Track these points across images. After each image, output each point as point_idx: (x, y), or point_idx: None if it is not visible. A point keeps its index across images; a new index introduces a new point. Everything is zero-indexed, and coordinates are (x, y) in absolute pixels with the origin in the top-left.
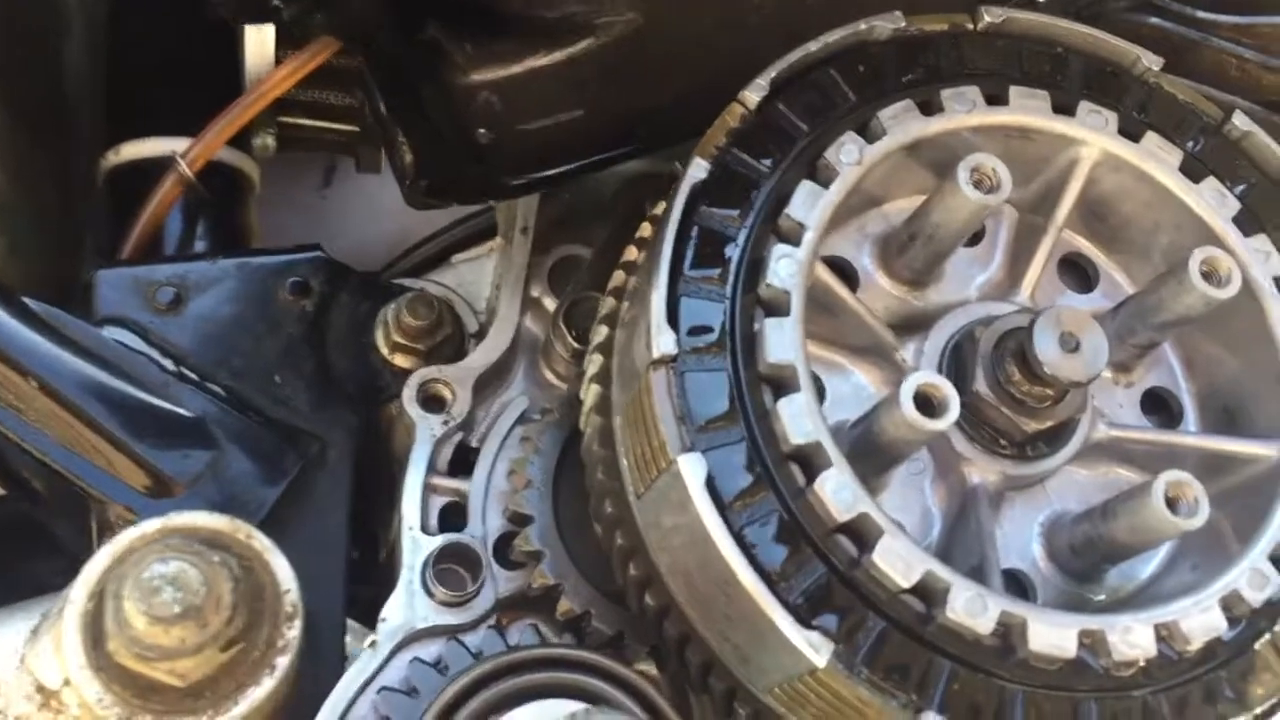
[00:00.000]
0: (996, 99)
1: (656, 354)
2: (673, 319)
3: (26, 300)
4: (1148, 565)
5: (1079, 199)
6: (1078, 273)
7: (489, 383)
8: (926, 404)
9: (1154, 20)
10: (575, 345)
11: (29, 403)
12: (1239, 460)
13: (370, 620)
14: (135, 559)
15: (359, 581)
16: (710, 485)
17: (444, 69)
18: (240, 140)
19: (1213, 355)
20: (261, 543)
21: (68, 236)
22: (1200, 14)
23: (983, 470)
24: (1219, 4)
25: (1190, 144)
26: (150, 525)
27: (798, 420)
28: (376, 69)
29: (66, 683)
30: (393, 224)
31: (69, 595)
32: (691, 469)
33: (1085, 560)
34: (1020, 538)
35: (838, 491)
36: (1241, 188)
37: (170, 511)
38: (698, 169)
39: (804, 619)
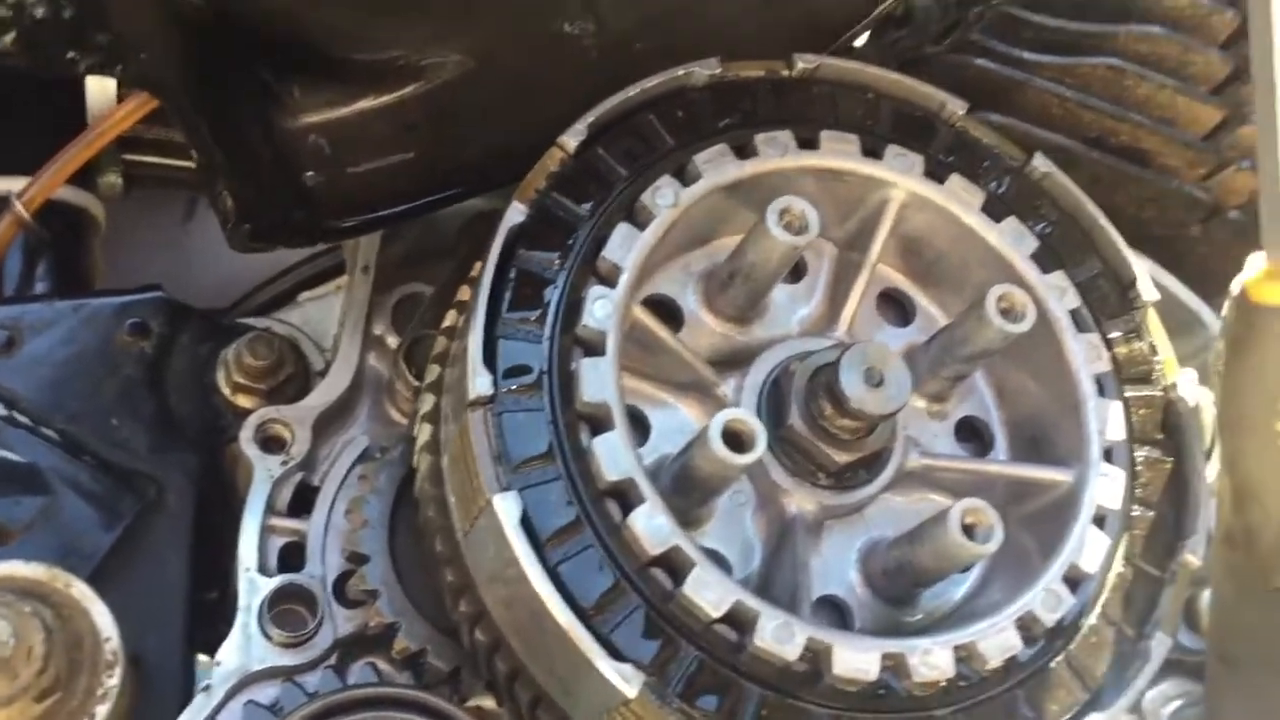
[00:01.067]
0: (809, 143)
1: (473, 395)
2: (490, 360)
3: None
4: (960, 587)
5: (892, 236)
6: (896, 307)
7: (330, 421)
8: (735, 440)
9: (979, 61)
10: (415, 383)
11: None
12: (1041, 485)
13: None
14: None
15: (219, 621)
16: (526, 523)
17: (271, 111)
18: (86, 179)
19: (1020, 386)
20: (80, 591)
21: None
22: (1024, 55)
23: (801, 500)
24: (1042, 45)
25: (993, 184)
26: None
27: (612, 457)
28: (188, 114)
29: None
30: (260, 256)
31: None
32: (505, 507)
33: (898, 584)
34: (839, 564)
35: (649, 525)
36: (1041, 226)
37: (2, 561)
38: (515, 213)
39: (617, 652)
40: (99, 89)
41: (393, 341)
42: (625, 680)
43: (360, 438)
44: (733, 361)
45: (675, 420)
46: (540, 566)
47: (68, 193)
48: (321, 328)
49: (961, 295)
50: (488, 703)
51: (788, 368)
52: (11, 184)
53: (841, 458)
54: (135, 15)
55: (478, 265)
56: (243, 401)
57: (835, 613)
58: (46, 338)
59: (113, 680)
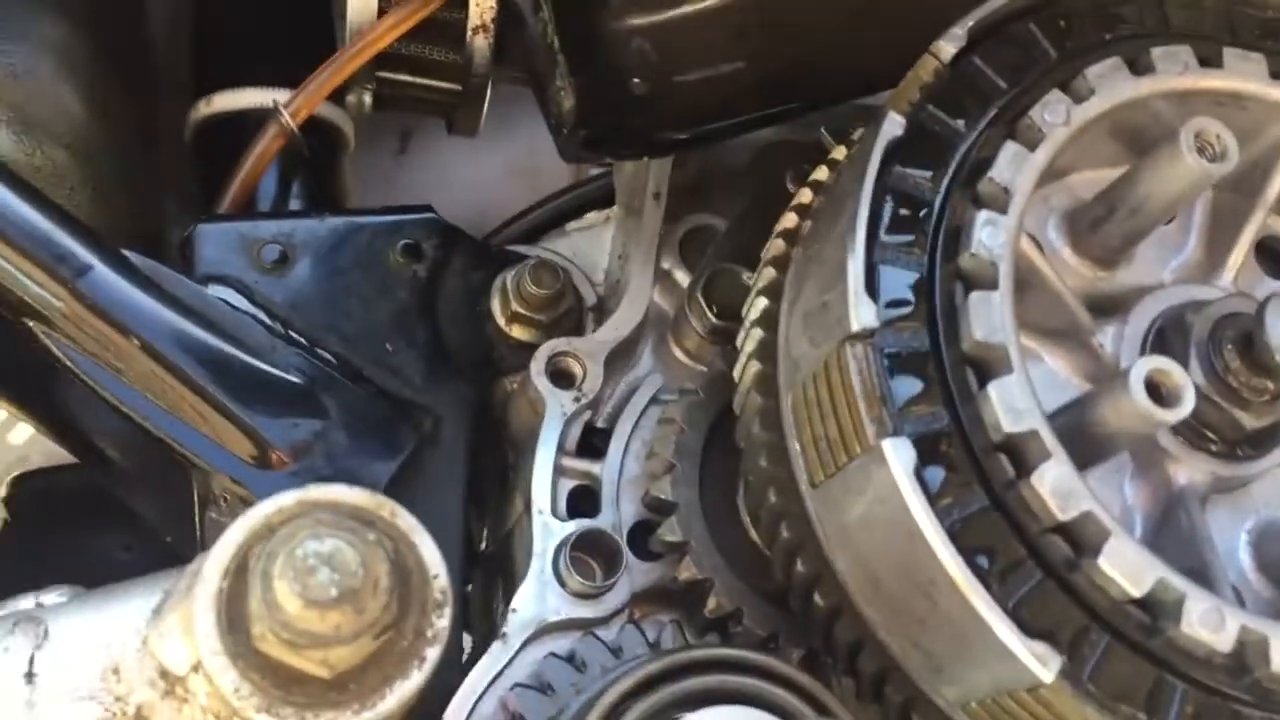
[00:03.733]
0: (1209, 61)
1: (856, 327)
2: (870, 289)
3: (127, 253)
4: None
5: None
6: (1274, 258)
7: (617, 359)
8: (1155, 392)
9: None
10: (715, 321)
11: (129, 363)
12: None
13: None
14: (284, 534)
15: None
16: (917, 475)
17: (596, 11)
18: (338, 98)
19: None
20: (408, 522)
21: (153, 189)
22: None
23: (1190, 470)
24: None
25: None
26: (287, 498)
27: (1011, 406)
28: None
29: (196, 668)
30: (468, 195)
31: (200, 572)
32: (898, 455)
33: None
34: (1225, 546)
35: (1059, 485)
36: None
37: (282, 485)
38: (893, 124)
39: (1027, 628)
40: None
41: (681, 276)
42: (1041, 662)
43: (653, 377)
44: (1098, 309)
45: (1040, 372)
46: (938, 525)
47: (325, 108)
48: (591, 260)
49: None
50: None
51: (1181, 317)
52: (270, 95)
53: (1249, 422)
54: None
55: (804, 192)
56: (518, 333)
57: None
58: (318, 255)
59: (443, 621)
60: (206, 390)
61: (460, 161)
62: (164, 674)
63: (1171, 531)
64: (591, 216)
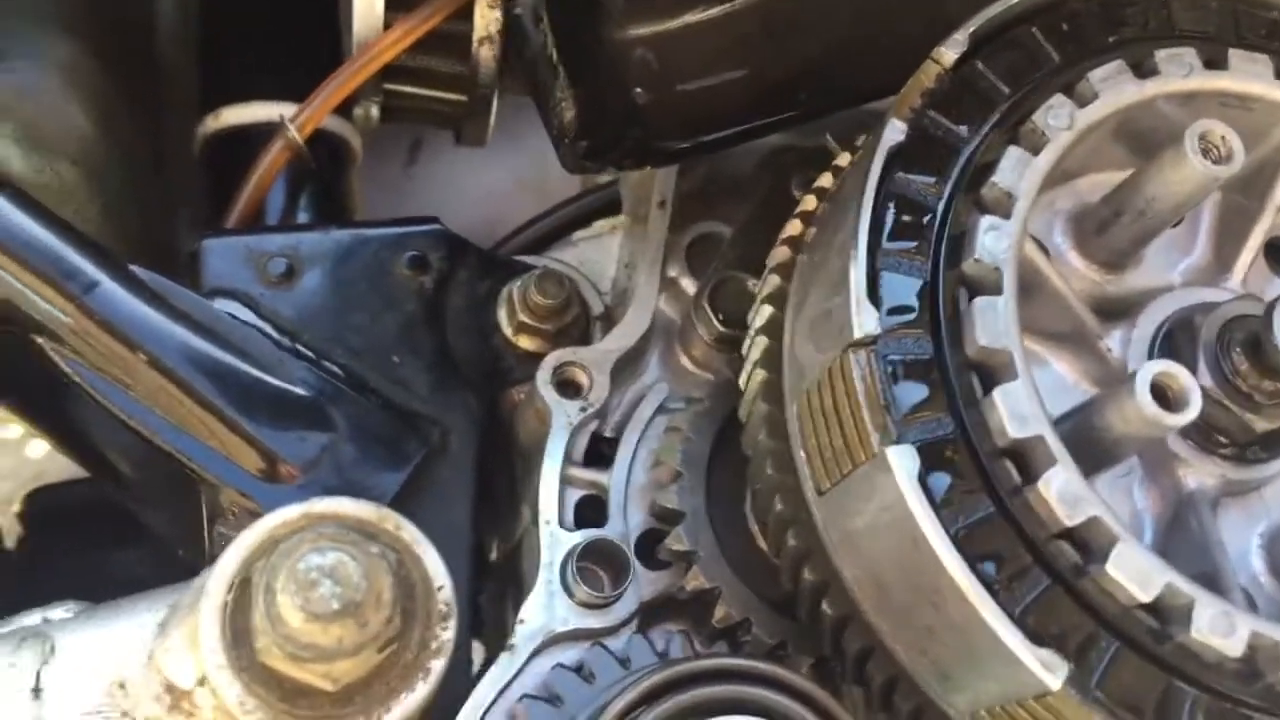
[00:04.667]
0: (1214, 63)
1: (859, 333)
2: (873, 296)
3: (134, 268)
4: None
5: None
6: None
7: (623, 368)
8: (1161, 396)
9: None
10: (721, 329)
11: (136, 378)
12: None
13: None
14: (287, 548)
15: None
16: (921, 481)
17: (598, 21)
18: (343, 108)
19: None
20: (411, 534)
21: (162, 204)
22: None
23: (1199, 473)
24: None
25: None
26: (291, 511)
27: (1017, 411)
28: (554, 7)
29: (201, 682)
30: (477, 206)
31: (204, 586)
32: (902, 462)
33: None
34: (1236, 550)
35: (1065, 491)
36: None
37: (291, 498)
38: (894, 131)
39: (1034, 635)
40: (366, 10)
41: (688, 283)
42: (1048, 669)
43: (659, 385)
44: (1106, 313)
45: (1047, 378)
46: (943, 531)
47: (329, 120)
48: (598, 269)
49: None
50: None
51: (1190, 319)
52: (277, 109)
53: (1259, 424)
54: None
55: (808, 199)
56: (524, 343)
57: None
58: (324, 268)
59: (447, 633)
60: (214, 404)
61: (469, 173)
62: (170, 688)
63: (1182, 536)
64: (599, 225)
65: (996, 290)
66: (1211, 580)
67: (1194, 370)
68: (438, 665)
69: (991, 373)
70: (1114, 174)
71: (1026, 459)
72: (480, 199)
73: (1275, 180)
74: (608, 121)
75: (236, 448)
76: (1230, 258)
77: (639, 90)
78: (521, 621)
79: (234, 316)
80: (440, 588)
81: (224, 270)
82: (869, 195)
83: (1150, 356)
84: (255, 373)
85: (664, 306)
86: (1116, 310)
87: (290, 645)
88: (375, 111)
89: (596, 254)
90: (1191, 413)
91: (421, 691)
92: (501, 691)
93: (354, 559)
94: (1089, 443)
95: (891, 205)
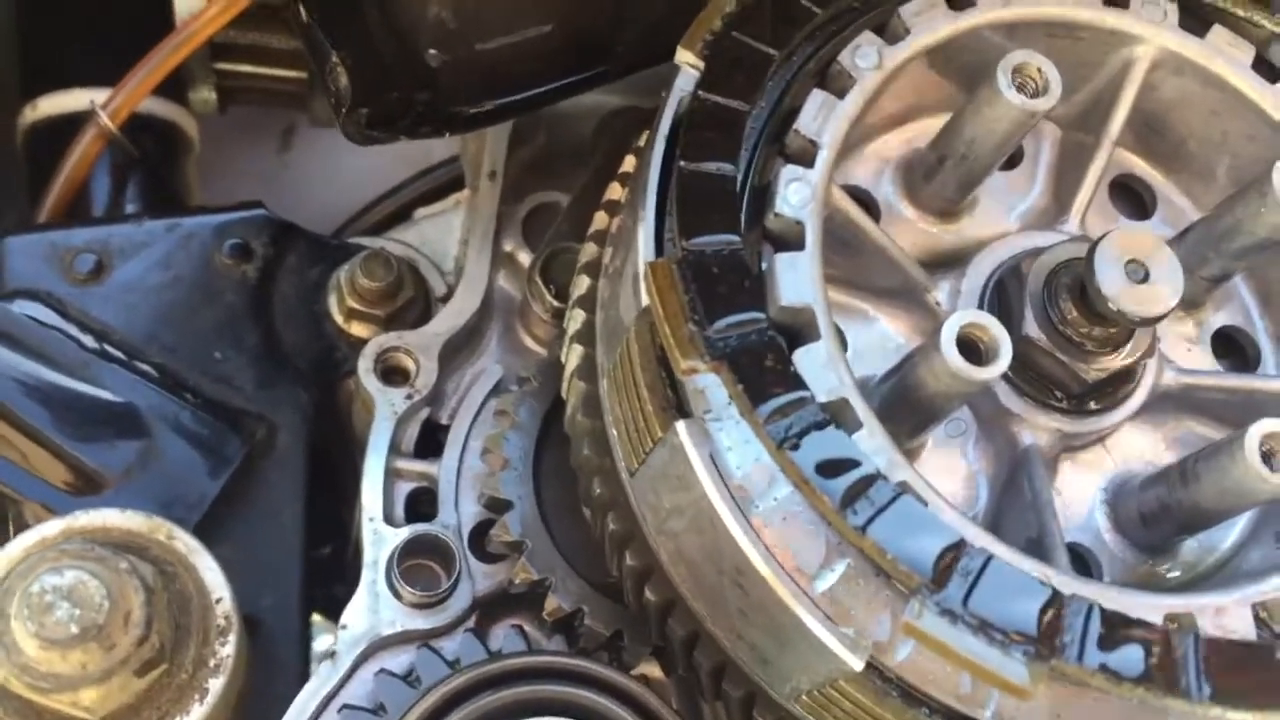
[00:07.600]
0: None
1: (646, 302)
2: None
3: None
4: (1227, 535)
5: (1133, 109)
6: (1131, 197)
7: (458, 350)
8: (972, 349)
9: None
10: (555, 303)
11: None
12: None
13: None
14: (24, 569)
15: (334, 580)
16: (715, 458)
17: None
18: (180, 93)
19: None
20: (185, 543)
21: None
22: None
23: (1035, 428)
24: None
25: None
26: (51, 528)
27: (820, 375)
28: None
29: None
30: (359, 190)
31: None
32: (690, 439)
33: (1158, 531)
34: (1080, 506)
35: (871, 458)
36: None
37: (94, 509)
38: (686, 79)
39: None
40: None
41: (525, 258)
42: (851, 649)
43: (493, 368)
44: (940, 264)
45: (874, 335)
46: (736, 510)
47: (156, 105)
48: (441, 248)
49: (1214, 180)
50: (654, 671)
51: (1017, 267)
52: (96, 95)
53: (1090, 373)
54: None
55: (629, 159)
56: (358, 330)
57: (1079, 562)
58: (138, 262)
59: (226, 649)
60: (12, 414)
61: (347, 154)
62: None
63: (1017, 495)
64: (440, 204)
65: (800, 245)
66: (1038, 545)
67: (1022, 320)
68: (216, 684)
69: (795, 334)
70: (945, 117)
71: (837, 423)
72: (361, 180)
73: (1111, 113)
74: (390, 85)
75: (40, 460)
76: (1068, 198)
77: (433, 52)
78: (343, 627)
79: (35, 319)
80: (219, 600)
81: (26, 270)
82: (657, 152)
83: (981, 307)
84: (57, 379)
85: (503, 283)
86: (952, 260)
87: (28, 676)
88: (211, 94)
89: (438, 232)
90: (1001, 365)
91: (197, 714)
92: (325, 703)
93: (96, 577)
94: (909, 402)
95: (688, 158)
